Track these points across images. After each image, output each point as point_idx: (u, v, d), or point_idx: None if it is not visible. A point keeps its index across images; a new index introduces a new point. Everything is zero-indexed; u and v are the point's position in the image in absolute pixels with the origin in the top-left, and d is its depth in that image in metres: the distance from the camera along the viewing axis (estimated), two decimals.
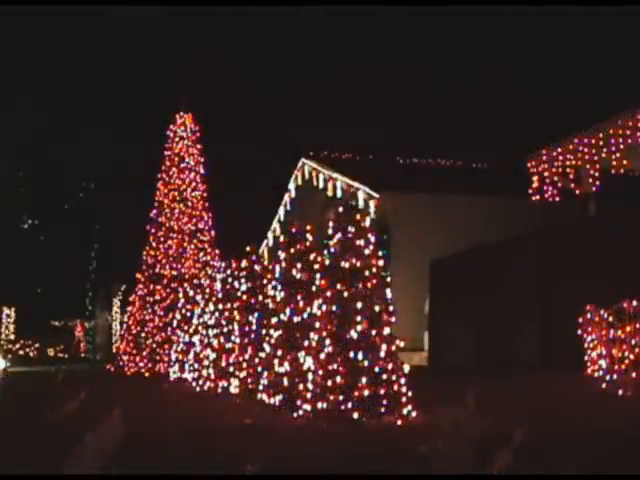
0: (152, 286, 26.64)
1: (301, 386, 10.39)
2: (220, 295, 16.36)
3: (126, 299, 33.52)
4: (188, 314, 20.12)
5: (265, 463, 5.72)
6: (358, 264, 10.25)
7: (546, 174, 24.44)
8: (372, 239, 10.47)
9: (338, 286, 10.19)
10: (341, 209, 10.63)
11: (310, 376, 10.19)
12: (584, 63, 59.82)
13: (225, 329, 15.71)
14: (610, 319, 13.59)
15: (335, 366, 9.87)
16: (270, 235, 35.02)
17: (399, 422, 9.63)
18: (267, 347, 12.61)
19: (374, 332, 10.01)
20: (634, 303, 13.18)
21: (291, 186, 32.92)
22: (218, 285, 16.62)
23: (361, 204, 25.07)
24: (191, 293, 20.53)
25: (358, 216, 10.58)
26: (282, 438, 8.94)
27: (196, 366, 17.47)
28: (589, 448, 7.50)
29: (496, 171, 31.27)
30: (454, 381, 14.59)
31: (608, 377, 13.23)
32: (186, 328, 19.90)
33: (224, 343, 15.63)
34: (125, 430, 6.30)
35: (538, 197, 25.25)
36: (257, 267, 15.11)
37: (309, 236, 12.22)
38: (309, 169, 31.14)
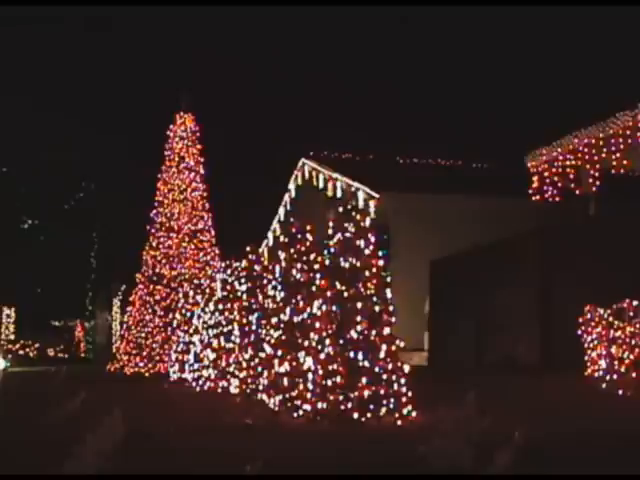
0: (152, 286, 26.63)
1: (301, 386, 10.39)
2: (220, 295, 16.36)
3: (126, 299, 33.49)
4: (188, 314, 20.14)
5: (265, 463, 5.72)
6: (358, 264, 10.25)
7: (546, 174, 24.46)
8: (372, 239, 10.48)
9: (338, 286, 10.19)
10: (341, 209, 10.63)
11: (310, 376, 10.19)
12: (584, 63, 59.81)
13: (225, 329, 15.72)
14: (610, 319, 13.59)
15: (335, 366, 9.87)
16: (270, 235, 35.02)
17: (399, 422, 9.63)
18: (267, 347, 12.60)
19: (374, 332, 10.02)
20: (634, 303, 13.17)
21: (291, 186, 32.91)
22: (218, 285, 16.62)
23: (361, 204, 25.07)
24: (191, 293, 20.55)
25: (358, 216, 10.58)
26: (282, 438, 8.94)
27: (196, 366, 17.47)
28: (589, 448, 7.49)
29: (496, 171, 31.28)
30: (454, 381, 14.58)
31: (608, 377, 13.22)
32: (186, 328, 19.91)
33: (224, 343, 15.64)
34: (125, 430, 6.31)
35: (538, 197, 25.27)
36: (257, 267, 15.12)
37: (309, 236, 12.21)
38: (309, 169, 31.13)
